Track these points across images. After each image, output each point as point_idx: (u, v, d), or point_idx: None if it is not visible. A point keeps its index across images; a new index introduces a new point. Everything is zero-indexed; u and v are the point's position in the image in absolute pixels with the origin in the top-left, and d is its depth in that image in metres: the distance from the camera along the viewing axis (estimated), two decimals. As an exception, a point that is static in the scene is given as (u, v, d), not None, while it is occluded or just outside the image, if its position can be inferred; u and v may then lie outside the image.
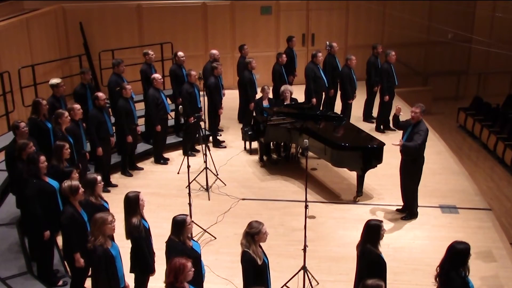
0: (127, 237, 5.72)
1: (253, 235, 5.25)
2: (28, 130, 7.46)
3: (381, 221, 5.46)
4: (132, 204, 5.68)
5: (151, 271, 5.83)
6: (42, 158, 6.37)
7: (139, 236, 5.61)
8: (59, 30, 13.68)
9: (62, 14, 13.80)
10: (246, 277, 5.28)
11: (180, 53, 11.22)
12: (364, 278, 4.62)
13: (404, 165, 8.14)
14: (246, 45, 12.23)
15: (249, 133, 10.60)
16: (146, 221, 5.81)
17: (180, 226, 5.34)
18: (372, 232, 5.37)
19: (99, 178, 6.11)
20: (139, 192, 5.77)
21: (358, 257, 5.55)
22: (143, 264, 5.73)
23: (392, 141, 8.14)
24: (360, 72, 12.38)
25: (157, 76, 10.06)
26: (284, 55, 11.77)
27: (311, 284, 6.66)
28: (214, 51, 11.71)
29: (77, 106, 8.31)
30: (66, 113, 7.86)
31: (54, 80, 9.12)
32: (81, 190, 5.74)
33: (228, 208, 8.64)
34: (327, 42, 12.37)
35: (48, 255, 6.54)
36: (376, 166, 8.79)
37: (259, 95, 11.07)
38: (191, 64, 12.07)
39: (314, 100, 11.37)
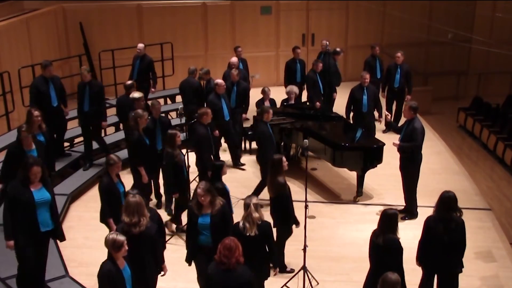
0: (271, 195, 6.84)
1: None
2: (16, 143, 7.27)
3: (396, 209, 5.77)
4: (276, 165, 6.77)
5: (296, 222, 6.86)
6: (36, 168, 5.93)
7: (285, 193, 6.71)
8: (59, 30, 13.69)
9: (62, 14, 13.81)
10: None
11: (140, 45, 11.30)
12: (385, 269, 4.88)
13: (402, 164, 8.15)
14: (240, 47, 12.04)
15: (249, 133, 10.59)
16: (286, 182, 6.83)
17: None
18: (391, 221, 5.57)
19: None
20: (283, 156, 6.92)
21: (375, 246, 5.65)
22: (290, 216, 6.80)
23: (392, 141, 8.15)
24: (360, 73, 12.37)
25: (220, 82, 9.73)
26: (320, 63, 11.21)
27: (311, 284, 6.67)
28: (234, 59, 11.23)
29: (157, 102, 8.66)
30: (146, 115, 8.02)
31: (136, 94, 8.95)
32: (125, 248, 5.04)
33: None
34: (327, 43, 12.38)
35: (25, 265, 6.11)
36: (376, 166, 8.79)
37: (259, 96, 11.01)
38: (191, 64, 12.05)
39: (318, 104, 11.08)
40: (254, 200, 5.77)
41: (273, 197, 6.84)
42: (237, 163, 10.20)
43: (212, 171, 6.93)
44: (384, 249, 5.55)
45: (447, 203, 5.87)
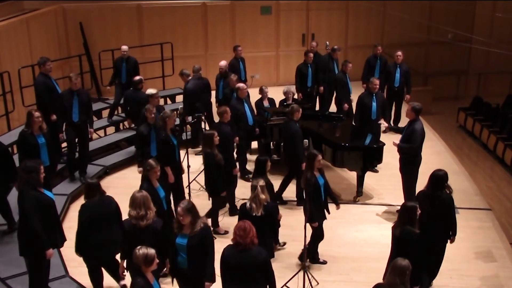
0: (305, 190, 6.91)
1: None
2: (17, 143, 7.22)
3: (416, 202, 5.96)
4: (311, 159, 6.84)
5: (310, 220, 6.68)
6: (42, 167, 6.01)
7: (310, 188, 6.66)
8: (59, 30, 13.69)
9: (62, 14, 13.81)
10: None
11: (124, 47, 11.14)
12: (400, 257, 4.91)
13: (401, 165, 8.13)
14: (240, 46, 12.02)
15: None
16: (323, 177, 6.96)
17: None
18: (409, 214, 5.72)
19: None
20: (318, 154, 6.90)
21: (395, 238, 5.82)
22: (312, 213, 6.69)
23: (392, 141, 8.14)
24: (359, 73, 12.39)
25: (241, 85, 9.52)
26: (349, 64, 11.08)
27: (311, 284, 6.66)
28: (222, 63, 11.24)
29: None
30: (174, 115, 8.02)
31: (150, 90, 8.91)
32: (157, 261, 4.88)
33: (228, 208, 8.63)
34: (327, 42, 12.38)
35: (42, 274, 6.07)
36: (376, 166, 8.79)
37: (259, 96, 10.99)
38: (191, 64, 12.05)
39: (346, 106, 11.05)
40: (261, 182, 6.07)
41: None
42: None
43: (256, 166, 7.24)
44: (400, 240, 5.70)
45: (436, 181, 6.36)
